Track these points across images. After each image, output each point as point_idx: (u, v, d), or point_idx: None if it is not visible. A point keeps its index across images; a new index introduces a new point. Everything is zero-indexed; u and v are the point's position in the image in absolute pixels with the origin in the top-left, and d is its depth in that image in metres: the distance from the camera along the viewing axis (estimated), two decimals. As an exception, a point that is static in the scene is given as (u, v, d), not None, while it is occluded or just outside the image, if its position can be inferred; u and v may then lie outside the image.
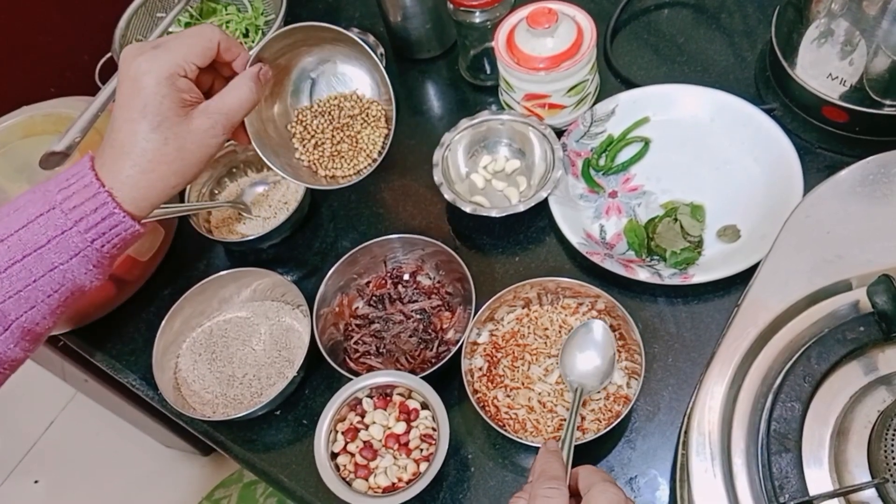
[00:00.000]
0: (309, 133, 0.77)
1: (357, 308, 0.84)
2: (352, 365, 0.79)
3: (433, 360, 0.78)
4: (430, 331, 0.80)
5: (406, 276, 0.85)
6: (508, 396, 0.74)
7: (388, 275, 0.85)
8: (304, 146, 0.77)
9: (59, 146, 0.81)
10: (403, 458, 0.70)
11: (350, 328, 0.82)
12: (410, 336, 0.80)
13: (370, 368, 0.78)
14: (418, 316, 0.81)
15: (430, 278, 0.84)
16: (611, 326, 0.75)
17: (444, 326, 0.81)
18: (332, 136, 0.77)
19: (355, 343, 0.81)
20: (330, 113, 0.77)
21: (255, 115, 0.72)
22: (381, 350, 0.80)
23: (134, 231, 0.59)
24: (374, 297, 0.84)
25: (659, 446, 0.72)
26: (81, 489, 1.86)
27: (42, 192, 0.58)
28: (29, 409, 1.97)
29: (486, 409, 0.72)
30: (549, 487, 0.53)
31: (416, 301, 0.82)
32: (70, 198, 0.57)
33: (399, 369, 0.77)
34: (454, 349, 0.74)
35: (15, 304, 0.57)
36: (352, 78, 0.77)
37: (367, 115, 0.77)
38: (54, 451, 1.93)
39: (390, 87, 0.73)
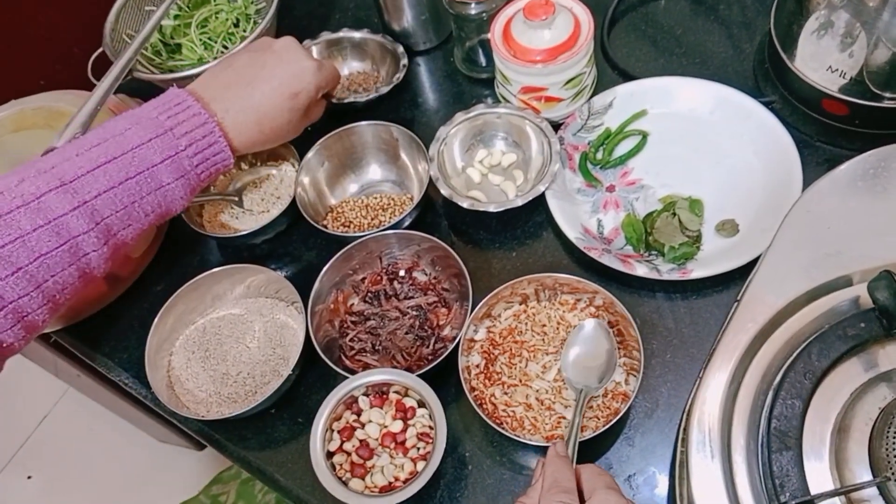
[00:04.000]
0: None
1: (352, 305, 0.83)
2: (347, 363, 0.78)
3: (429, 358, 0.77)
4: (426, 327, 0.79)
5: (402, 273, 0.84)
6: (506, 394, 0.73)
7: (384, 271, 0.84)
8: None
9: (59, 142, 0.79)
10: (400, 457, 0.70)
11: (345, 325, 0.81)
12: (406, 333, 0.79)
13: (366, 366, 0.77)
14: (414, 312, 0.80)
15: (427, 274, 0.83)
16: (609, 323, 0.74)
17: (441, 323, 0.80)
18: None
19: (351, 340, 0.80)
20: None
21: None
22: (376, 347, 0.79)
23: (229, 163, 0.71)
24: (369, 294, 0.83)
25: (658, 443, 0.71)
26: (75, 484, 1.85)
27: (143, 118, 0.65)
28: (21, 404, 1.96)
29: (484, 406, 0.72)
30: (560, 501, 0.52)
31: (412, 297, 0.82)
32: (181, 124, 0.65)
33: (395, 367, 0.76)
34: (451, 346, 0.73)
35: (119, 219, 0.62)
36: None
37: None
38: (47, 446, 1.92)
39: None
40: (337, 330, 0.81)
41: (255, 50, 0.77)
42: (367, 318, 0.81)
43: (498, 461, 0.73)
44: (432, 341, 0.78)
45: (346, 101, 0.94)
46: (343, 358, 0.79)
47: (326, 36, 1.02)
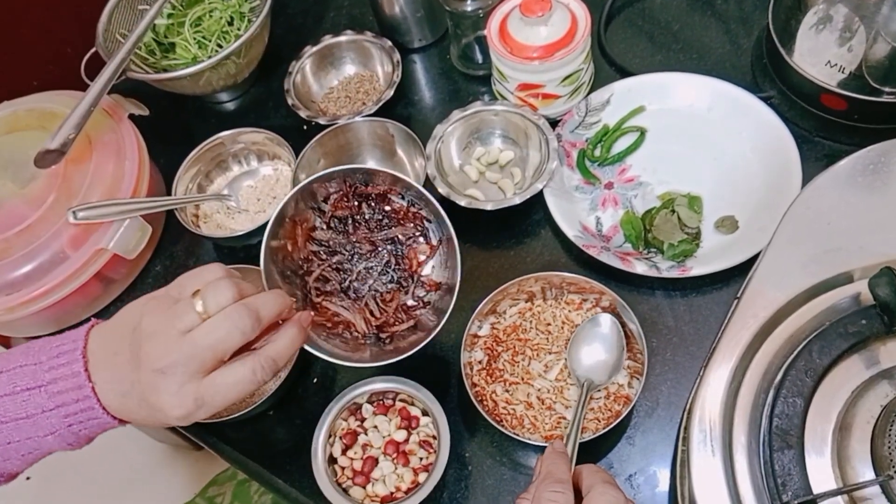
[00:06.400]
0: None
1: (315, 231, 0.70)
2: (316, 315, 0.68)
3: (408, 308, 0.70)
4: (402, 268, 0.71)
5: (372, 195, 0.71)
6: (507, 391, 0.73)
7: (352, 191, 0.70)
8: None
9: (53, 144, 0.79)
10: (401, 467, 0.69)
11: (308, 259, 0.69)
12: (381, 274, 0.70)
13: (335, 315, 0.69)
14: (389, 247, 0.71)
15: (403, 198, 0.71)
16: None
17: (420, 260, 0.70)
18: None
19: (316, 280, 0.69)
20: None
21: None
22: (346, 289, 0.69)
23: (111, 424, 0.59)
24: (334, 219, 0.70)
25: (658, 442, 0.71)
26: (73, 485, 1.85)
27: (33, 363, 0.58)
28: (19, 405, 1.95)
29: (484, 403, 0.71)
30: (553, 490, 0.53)
31: (386, 228, 0.71)
32: (56, 381, 0.57)
33: (368, 320, 0.69)
34: (435, 294, 0.67)
35: None
36: None
37: None
38: (45, 447, 1.92)
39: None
40: (301, 271, 0.70)
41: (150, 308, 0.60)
42: (334, 250, 0.70)
43: (498, 461, 0.72)
44: (412, 287, 0.70)
45: (354, 119, 0.91)
46: (310, 305, 0.69)
47: (313, 49, 1.00)
